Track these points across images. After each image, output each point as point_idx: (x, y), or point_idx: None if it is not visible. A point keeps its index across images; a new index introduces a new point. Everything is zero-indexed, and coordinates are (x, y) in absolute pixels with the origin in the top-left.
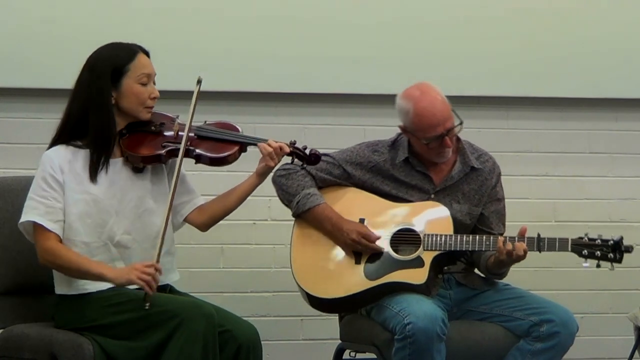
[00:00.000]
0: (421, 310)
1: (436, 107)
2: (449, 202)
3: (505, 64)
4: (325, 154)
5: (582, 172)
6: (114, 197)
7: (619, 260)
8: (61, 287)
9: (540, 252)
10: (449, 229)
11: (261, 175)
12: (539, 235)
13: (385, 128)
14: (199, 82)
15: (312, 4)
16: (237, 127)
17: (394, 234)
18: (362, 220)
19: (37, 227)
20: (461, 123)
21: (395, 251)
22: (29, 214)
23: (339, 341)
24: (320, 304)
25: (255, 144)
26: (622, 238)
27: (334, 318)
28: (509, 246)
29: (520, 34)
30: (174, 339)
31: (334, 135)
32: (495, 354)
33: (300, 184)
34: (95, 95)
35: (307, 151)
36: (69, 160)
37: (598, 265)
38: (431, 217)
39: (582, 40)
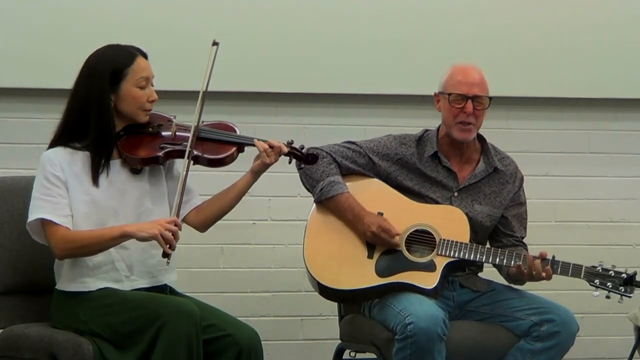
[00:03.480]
0: (422, 311)
1: (470, 71)
2: (470, 203)
3: (505, 64)
4: (351, 142)
5: (582, 172)
6: (113, 198)
7: (629, 295)
8: (60, 283)
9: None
10: (466, 237)
11: (256, 173)
12: (553, 257)
13: (385, 128)
14: (216, 44)
15: (312, 5)
16: (234, 126)
17: (410, 233)
18: (380, 214)
19: (46, 223)
20: (490, 99)
21: (408, 250)
22: (36, 213)
23: (339, 341)
24: (327, 292)
25: (252, 144)
26: (635, 273)
27: (334, 318)
28: (546, 272)
29: (520, 35)
30: (159, 341)
31: (334, 135)
32: (496, 354)
33: (325, 171)
34: (95, 98)
35: (304, 151)
36: (68, 161)
37: (607, 297)
38: (449, 222)
39: (582, 40)
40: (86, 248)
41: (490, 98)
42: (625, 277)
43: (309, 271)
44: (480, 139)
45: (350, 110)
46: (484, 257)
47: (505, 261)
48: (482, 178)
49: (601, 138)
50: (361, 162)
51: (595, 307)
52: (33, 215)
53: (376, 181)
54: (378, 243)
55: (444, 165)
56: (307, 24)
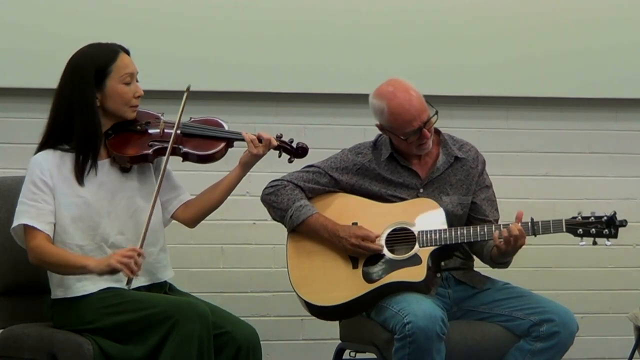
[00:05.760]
0: (420, 310)
1: (410, 102)
2: (438, 196)
3: (505, 64)
4: (309, 165)
5: (582, 172)
6: (104, 198)
7: (615, 235)
8: (57, 291)
9: (535, 235)
10: (443, 224)
11: (245, 165)
12: (532, 219)
13: None
14: (188, 90)
15: (312, 5)
16: (223, 122)
17: (389, 234)
18: (355, 225)
19: (27, 228)
20: (436, 113)
21: (392, 251)
22: (19, 218)
23: (339, 341)
24: (323, 313)
25: (241, 138)
26: (615, 213)
27: None
28: (505, 233)
29: (521, 34)
30: (169, 340)
31: (334, 135)
32: (495, 354)
33: (290, 198)
34: (80, 99)
35: (294, 144)
36: (58, 165)
37: (594, 243)
38: (424, 214)
39: (582, 40)
40: (54, 266)
41: (436, 111)
42: (606, 219)
43: (301, 298)
44: (436, 131)
45: (350, 110)
46: (465, 237)
47: (487, 235)
48: (445, 170)
49: (601, 138)
50: (323, 181)
51: (595, 307)
52: (17, 220)
53: (342, 194)
54: (361, 253)
55: (402, 165)
56: (307, 24)
